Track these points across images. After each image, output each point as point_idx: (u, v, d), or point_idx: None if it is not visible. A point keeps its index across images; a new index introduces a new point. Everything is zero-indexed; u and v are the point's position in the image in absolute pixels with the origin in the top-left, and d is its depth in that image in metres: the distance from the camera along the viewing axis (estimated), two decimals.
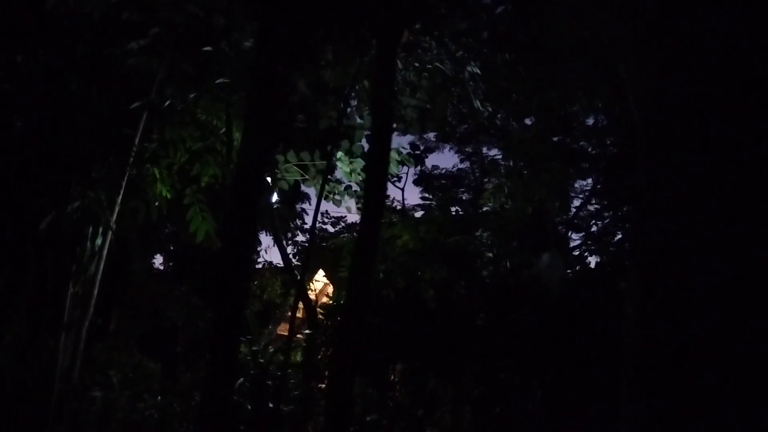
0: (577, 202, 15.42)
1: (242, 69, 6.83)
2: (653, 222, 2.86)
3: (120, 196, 7.33)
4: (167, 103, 7.42)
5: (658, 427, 2.49)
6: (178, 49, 7.43)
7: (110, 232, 7.24)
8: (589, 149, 14.23)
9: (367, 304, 4.31)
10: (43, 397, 6.71)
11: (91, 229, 7.25)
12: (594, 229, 15.14)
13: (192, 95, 7.48)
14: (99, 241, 7.22)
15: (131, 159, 7.44)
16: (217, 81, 7.00)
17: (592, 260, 14.61)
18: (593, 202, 15.31)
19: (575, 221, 14.95)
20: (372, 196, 3.64)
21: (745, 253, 2.58)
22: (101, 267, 7.25)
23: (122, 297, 12.65)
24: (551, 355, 8.74)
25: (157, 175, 7.80)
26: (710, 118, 2.85)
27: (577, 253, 14.39)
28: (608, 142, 13.84)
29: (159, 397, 8.16)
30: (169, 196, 7.95)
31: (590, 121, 13.79)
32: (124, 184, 7.36)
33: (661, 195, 2.94)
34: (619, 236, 13.70)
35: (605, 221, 14.81)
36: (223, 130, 7.62)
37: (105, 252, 7.26)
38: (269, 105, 3.97)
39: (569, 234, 14.70)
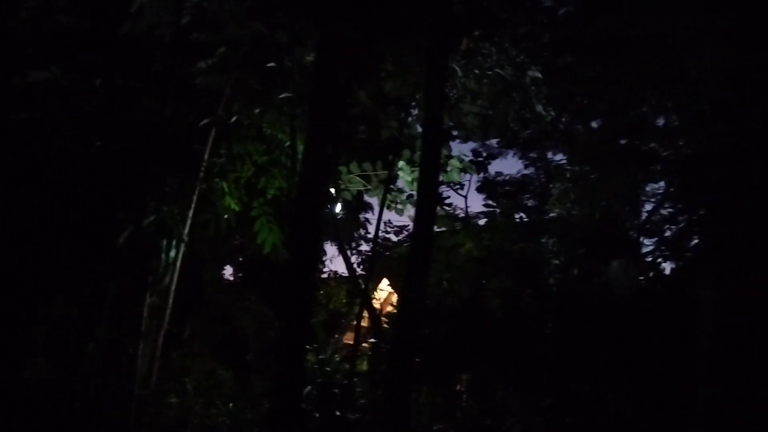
0: (649, 206, 14.82)
1: (305, 83, 6.98)
2: (729, 225, 2.74)
3: (191, 210, 7.61)
4: (234, 118, 7.67)
5: None
6: (243, 67, 7.67)
7: (183, 245, 7.52)
8: (661, 151, 13.68)
9: (423, 311, 4.29)
10: (124, 402, 7.02)
11: (165, 242, 7.57)
12: (668, 233, 14.49)
13: (257, 110, 7.71)
14: (173, 254, 7.52)
15: (201, 174, 7.73)
16: (281, 96, 7.19)
17: (667, 266, 13.98)
18: (666, 205, 14.67)
19: (647, 226, 14.35)
20: (424, 203, 3.62)
21: None
22: (175, 278, 7.54)
23: (195, 307, 13.09)
24: (625, 366, 8.43)
25: (226, 189, 8.06)
26: None
27: (650, 259, 13.81)
28: (681, 143, 13.25)
29: (231, 404, 8.39)
30: (237, 208, 8.20)
31: (661, 122, 13.26)
32: (195, 198, 7.65)
33: (736, 196, 2.81)
34: (695, 241, 13.08)
35: (680, 225, 14.16)
36: (288, 143, 7.82)
37: (178, 264, 7.55)
38: (330, 117, 4.05)
39: (641, 239, 14.15)
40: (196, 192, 7.66)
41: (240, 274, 17.36)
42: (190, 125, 8.12)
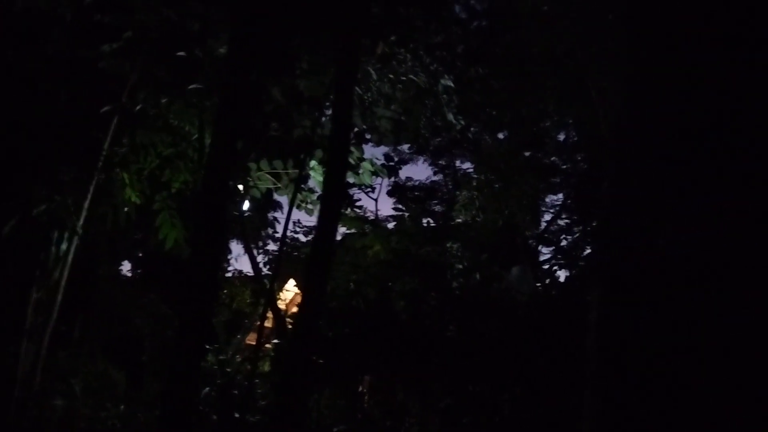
0: (547, 217, 15.63)
1: (216, 75, 6.80)
2: (617, 235, 2.92)
3: (88, 201, 7.20)
4: (139, 107, 7.34)
5: None
6: (151, 54, 7.35)
7: (76, 237, 7.10)
8: (560, 164, 14.46)
9: (321, 311, 4.28)
10: (2, 405, 6.53)
11: (56, 234, 7.12)
12: (564, 243, 15.34)
13: (164, 100, 7.41)
14: (64, 246, 7.08)
15: (100, 163, 7.33)
16: (191, 87, 6.95)
17: (562, 274, 14.79)
18: (563, 216, 15.53)
19: (545, 235, 15.13)
20: (329, 202, 3.61)
21: (704, 267, 2.65)
22: (66, 273, 7.10)
23: (88, 304, 12.39)
24: (520, 368, 8.80)
25: (127, 181, 7.69)
26: (676, 135, 2.93)
27: (546, 266, 14.55)
28: (579, 158, 14.07)
29: (122, 407, 8.00)
30: (138, 201, 7.84)
31: (561, 137, 14.02)
32: (92, 188, 7.24)
33: (625, 209, 3.00)
34: (588, 251, 13.90)
35: (575, 236, 15.03)
36: (196, 136, 7.56)
37: (70, 257, 7.12)
38: (241, 112, 3.96)
39: (539, 248, 14.88)
40: (94, 182, 7.26)
41: (139, 271, 16.62)
42: (90, 111, 7.68)
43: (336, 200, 3.60)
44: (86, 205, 7.19)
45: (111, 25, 6.90)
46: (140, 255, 15.81)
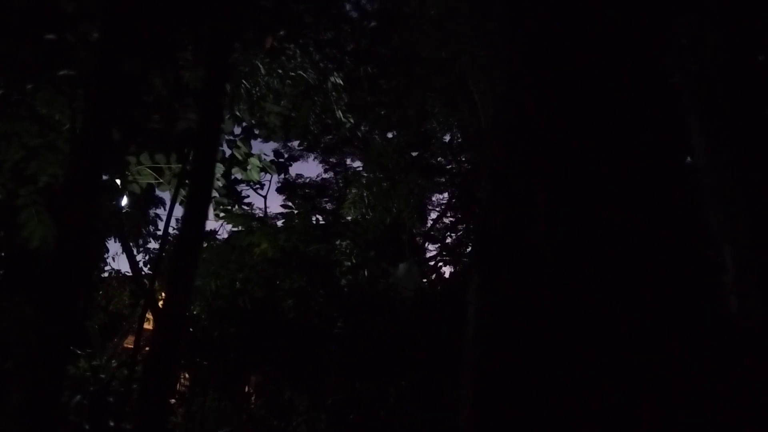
0: (433, 215, 16.16)
1: (90, 61, 6.38)
2: (493, 231, 3.05)
3: None
4: None
5: (492, 427, 2.65)
6: (15, 35, 6.77)
7: None
8: (446, 164, 14.98)
9: (186, 311, 4.11)
10: None
11: None
12: (448, 240, 15.92)
13: (30, 86, 6.86)
14: None
15: None
16: (61, 73, 6.47)
17: (447, 270, 15.31)
18: (448, 214, 16.11)
19: (431, 233, 15.61)
20: (196, 197, 3.47)
21: (574, 262, 2.82)
22: None
23: None
24: (405, 361, 8.99)
25: None
26: (548, 135, 3.09)
27: (432, 263, 15.01)
28: (463, 159, 14.64)
29: None
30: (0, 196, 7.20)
31: (447, 138, 14.53)
32: None
33: (500, 206, 3.14)
34: (471, 247, 14.48)
35: (459, 233, 15.64)
36: (68, 126, 7.06)
37: None
38: (114, 100, 3.73)
39: (425, 245, 15.32)
40: None
41: (1, 272, 15.25)
42: None
43: (204, 195, 3.47)
44: None
45: None
46: (2, 254, 14.53)
